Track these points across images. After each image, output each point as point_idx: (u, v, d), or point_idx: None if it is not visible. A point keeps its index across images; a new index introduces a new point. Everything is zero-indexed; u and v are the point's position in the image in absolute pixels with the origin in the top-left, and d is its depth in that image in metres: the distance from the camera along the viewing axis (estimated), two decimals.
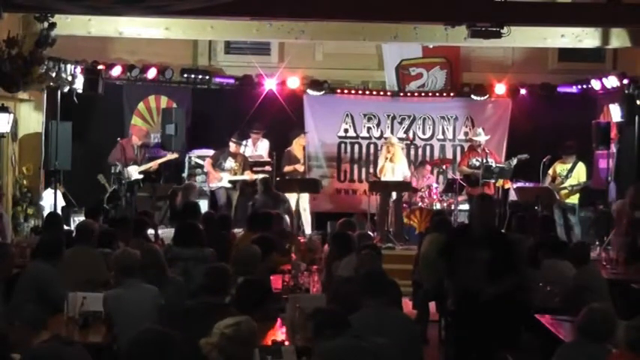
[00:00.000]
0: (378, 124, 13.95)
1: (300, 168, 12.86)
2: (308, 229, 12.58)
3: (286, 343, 5.11)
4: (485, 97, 13.81)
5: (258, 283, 5.20)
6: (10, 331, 4.41)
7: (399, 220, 12.34)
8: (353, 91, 14.05)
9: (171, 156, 12.80)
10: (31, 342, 4.29)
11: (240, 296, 4.94)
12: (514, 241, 7.35)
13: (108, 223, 8.84)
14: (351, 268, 6.69)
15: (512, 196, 13.00)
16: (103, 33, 11.31)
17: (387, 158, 12.41)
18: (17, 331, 4.40)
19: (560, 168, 12.51)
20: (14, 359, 3.98)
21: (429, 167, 13.25)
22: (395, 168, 12.41)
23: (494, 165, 12.45)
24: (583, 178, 12.37)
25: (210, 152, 13.04)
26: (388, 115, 13.97)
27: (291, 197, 12.35)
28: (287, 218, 11.63)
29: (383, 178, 12.43)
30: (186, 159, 13.46)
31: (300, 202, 12.64)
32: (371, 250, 6.56)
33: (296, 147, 12.87)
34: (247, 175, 12.52)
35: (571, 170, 12.40)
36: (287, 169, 12.76)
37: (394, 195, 12.33)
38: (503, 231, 9.93)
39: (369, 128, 13.99)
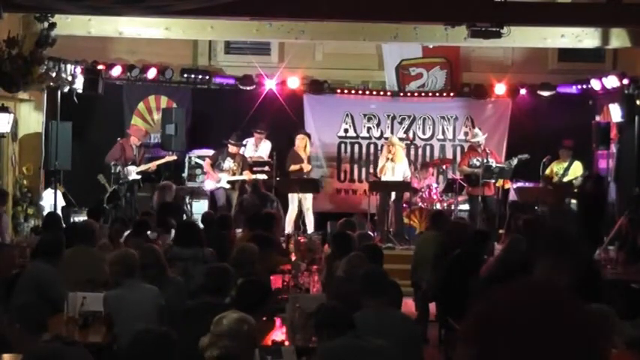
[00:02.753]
0: (378, 124, 13.96)
1: (306, 167, 12.76)
2: (311, 229, 12.55)
3: (286, 343, 5.11)
4: (486, 97, 13.82)
5: (259, 283, 5.19)
6: (12, 332, 4.40)
7: (399, 220, 12.34)
8: (353, 91, 14.05)
9: (169, 158, 12.78)
10: (33, 343, 4.28)
11: (241, 296, 4.94)
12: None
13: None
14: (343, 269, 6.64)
15: (513, 196, 13.01)
16: (103, 33, 11.31)
17: (387, 158, 12.40)
18: (19, 332, 4.40)
19: (556, 167, 12.56)
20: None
21: (431, 169, 13.25)
22: (395, 168, 12.39)
23: (494, 165, 12.44)
24: (580, 173, 12.40)
25: (210, 152, 13.02)
26: (388, 115, 13.98)
27: (295, 197, 12.36)
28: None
29: (383, 178, 12.43)
30: (186, 159, 13.46)
31: (304, 202, 12.65)
32: (360, 252, 6.52)
33: (299, 145, 12.84)
34: (246, 176, 12.51)
35: (567, 169, 12.43)
36: (292, 168, 12.72)
37: (393, 195, 12.33)
38: None
39: (369, 128, 13.99)
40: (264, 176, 12.51)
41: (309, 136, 13.09)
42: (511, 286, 3.14)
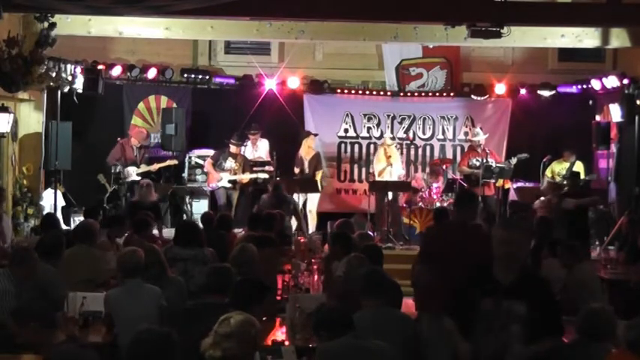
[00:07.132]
0: (378, 124, 13.96)
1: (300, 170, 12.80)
2: (311, 229, 12.49)
3: (286, 343, 5.12)
4: (485, 97, 13.81)
5: (254, 281, 5.17)
6: (25, 330, 4.40)
7: (398, 220, 12.33)
8: (353, 91, 14.05)
9: (170, 162, 12.72)
10: (47, 341, 4.28)
11: (236, 295, 4.92)
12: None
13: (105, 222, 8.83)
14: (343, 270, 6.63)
15: (513, 196, 13.01)
16: (103, 33, 11.30)
17: (388, 156, 12.36)
18: (32, 330, 4.40)
19: (558, 167, 12.53)
20: None
21: (440, 178, 13.08)
22: (392, 169, 12.40)
23: (494, 165, 12.44)
24: (581, 175, 12.39)
25: (210, 152, 13.02)
26: (388, 115, 13.97)
27: (298, 198, 12.32)
28: (292, 219, 11.53)
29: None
30: (187, 159, 13.45)
31: (308, 203, 12.63)
32: (359, 254, 6.53)
33: (303, 149, 12.80)
34: (247, 175, 12.50)
35: (570, 169, 12.41)
36: (296, 171, 12.73)
37: (390, 195, 12.30)
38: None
39: (369, 128, 13.99)
40: (265, 175, 12.51)
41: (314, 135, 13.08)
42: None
